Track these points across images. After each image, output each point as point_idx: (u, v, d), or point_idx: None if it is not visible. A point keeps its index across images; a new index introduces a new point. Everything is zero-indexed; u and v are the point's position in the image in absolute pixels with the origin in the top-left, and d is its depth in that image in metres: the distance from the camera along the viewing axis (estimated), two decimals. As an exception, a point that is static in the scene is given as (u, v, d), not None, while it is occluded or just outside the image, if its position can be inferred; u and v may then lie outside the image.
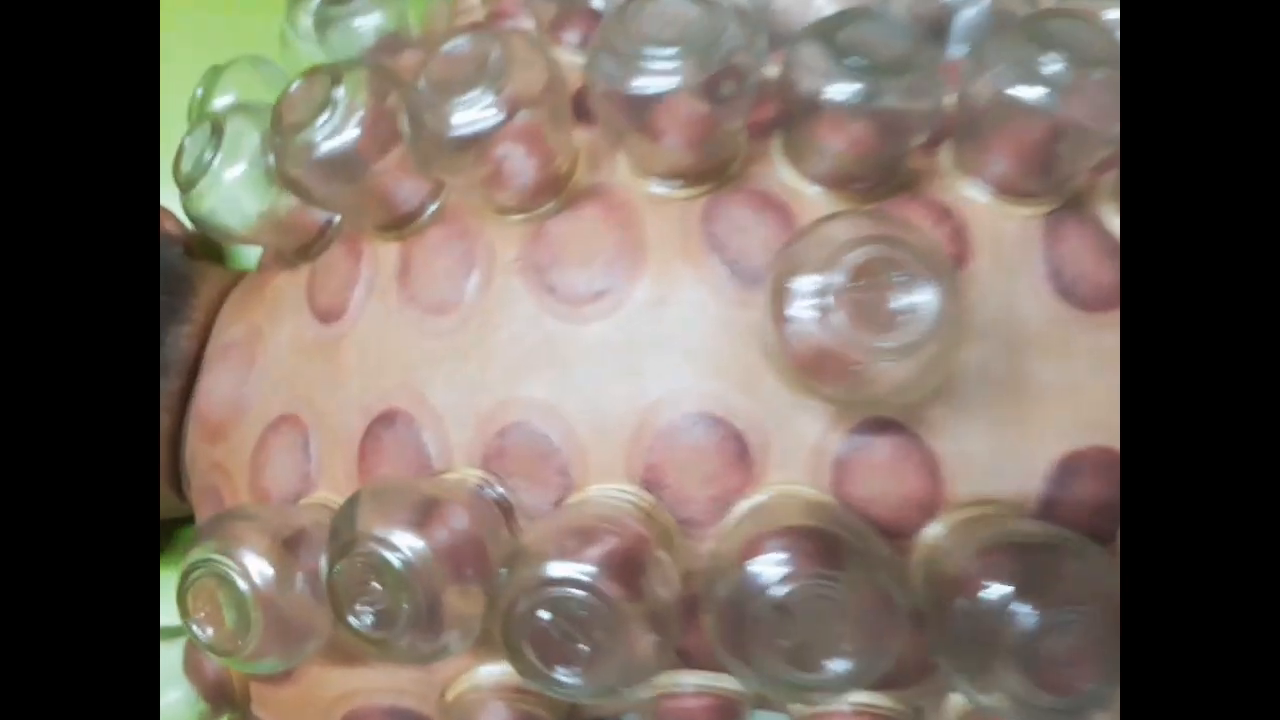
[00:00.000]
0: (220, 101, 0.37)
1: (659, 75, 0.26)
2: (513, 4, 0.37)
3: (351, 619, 0.25)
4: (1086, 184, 0.30)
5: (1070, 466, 0.27)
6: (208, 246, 0.47)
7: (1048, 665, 0.23)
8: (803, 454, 0.27)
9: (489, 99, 0.26)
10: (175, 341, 0.37)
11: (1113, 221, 0.30)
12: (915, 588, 0.27)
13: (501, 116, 0.27)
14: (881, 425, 0.27)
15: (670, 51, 0.26)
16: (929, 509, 0.27)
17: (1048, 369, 0.28)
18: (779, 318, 0.24)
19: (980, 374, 0.28)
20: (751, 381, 0.28)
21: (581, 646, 0.23)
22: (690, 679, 0.29)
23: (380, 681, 0.32)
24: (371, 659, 0.32)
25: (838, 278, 0.22)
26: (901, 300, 0.22)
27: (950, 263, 0.23)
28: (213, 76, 0.37)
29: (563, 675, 0.23)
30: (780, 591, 0.22)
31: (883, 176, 0.29)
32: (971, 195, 0.29)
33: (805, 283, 0.23)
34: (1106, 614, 0.22)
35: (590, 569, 0.23)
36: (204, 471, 0.36)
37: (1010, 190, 0.29)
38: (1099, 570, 0.23)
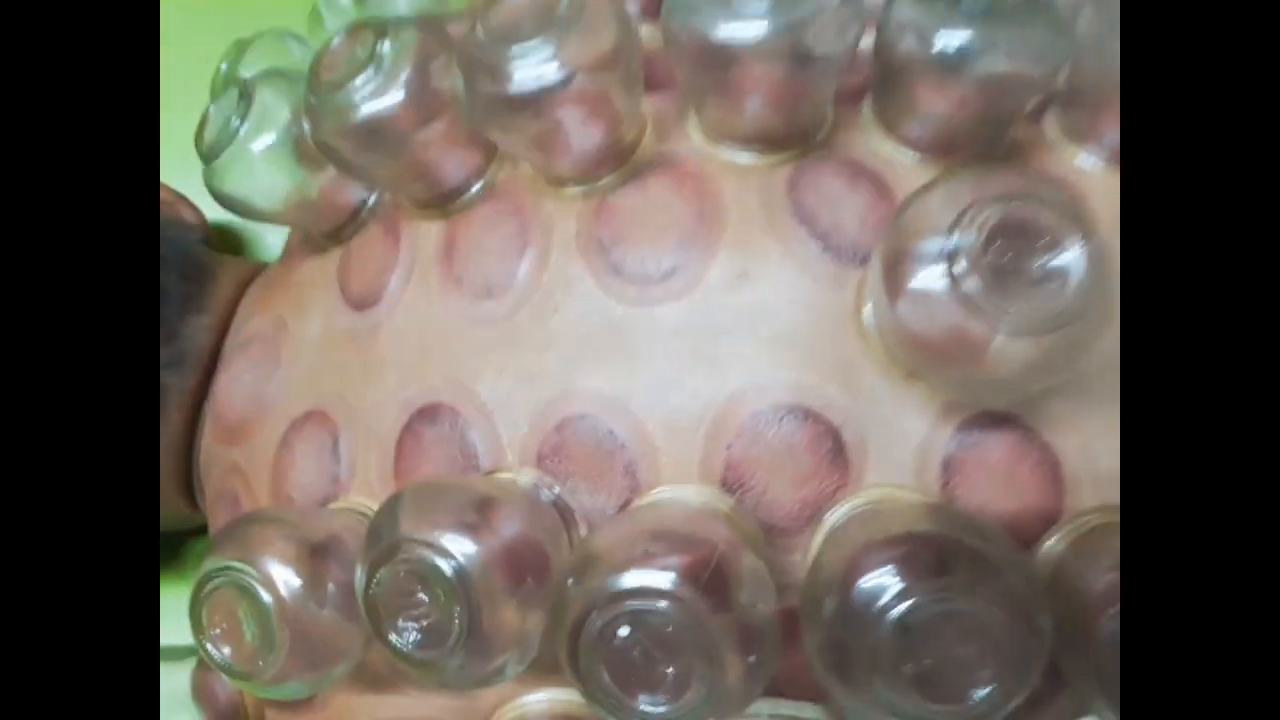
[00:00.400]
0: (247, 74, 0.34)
1: (747, 20, 0.23)
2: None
3: (393, 636, 0.22)
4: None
5: (1209, 469, 0.24)
6: (226, 240, 0.44)
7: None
8: (906, 452, 0.24)
9: (553, 50, 0.24)
10: (193, 334, 0.34)
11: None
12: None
13: (568, 72, 0.24)
14: (995, 420, 0.24)
15: (761, -7, 0.23)
16: (1050, 516, 0.24)
17: (1177, 358, 0.25)
18: (897, 290, 0.21)
19: (1105, 362, 0.24)
20: (847, 370, 0.24)
21: (668, 670, 0.20)
22: (764, 708, 0.26)
23: (415, 711, 0.28)
24: (406, 685, 0.28)
25: (970, 239, 0.19)
26: (1046, 262, 0.19)
27: (1094, 222, 0.20)
28: (237, 50, 0.35)
29: (646, 705, 0.20)
30: (902, 608, 0.19)
31: (988, 144, 0.26)
32: (1086, 165, 0.26)
33: (931, 247, 0.20)
34: None
35: (676, 577, 0.20)
36: (221, 476, 0.33)
37: (1129, 159, 0.26)
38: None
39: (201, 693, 0.31)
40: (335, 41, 0.27)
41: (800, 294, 0.25)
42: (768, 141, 0.26)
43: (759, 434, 0.24)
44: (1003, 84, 0.24)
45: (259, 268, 0.38)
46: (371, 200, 0.32)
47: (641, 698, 0.20)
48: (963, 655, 0.19)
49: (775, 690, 0.26)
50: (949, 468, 0.24)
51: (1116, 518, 0.24)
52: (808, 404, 0.24)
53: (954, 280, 0.19)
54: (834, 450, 0.24)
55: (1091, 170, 0.26)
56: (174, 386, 0.33)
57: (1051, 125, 0.27)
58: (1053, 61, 0.24)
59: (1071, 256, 0.19)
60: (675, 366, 0.25)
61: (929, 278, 0.20)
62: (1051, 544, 0.24)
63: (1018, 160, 0.26)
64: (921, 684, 0.19)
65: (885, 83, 0.26)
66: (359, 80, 0.26)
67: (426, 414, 0.28)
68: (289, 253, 0.36)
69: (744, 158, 0.26)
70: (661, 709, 0.20)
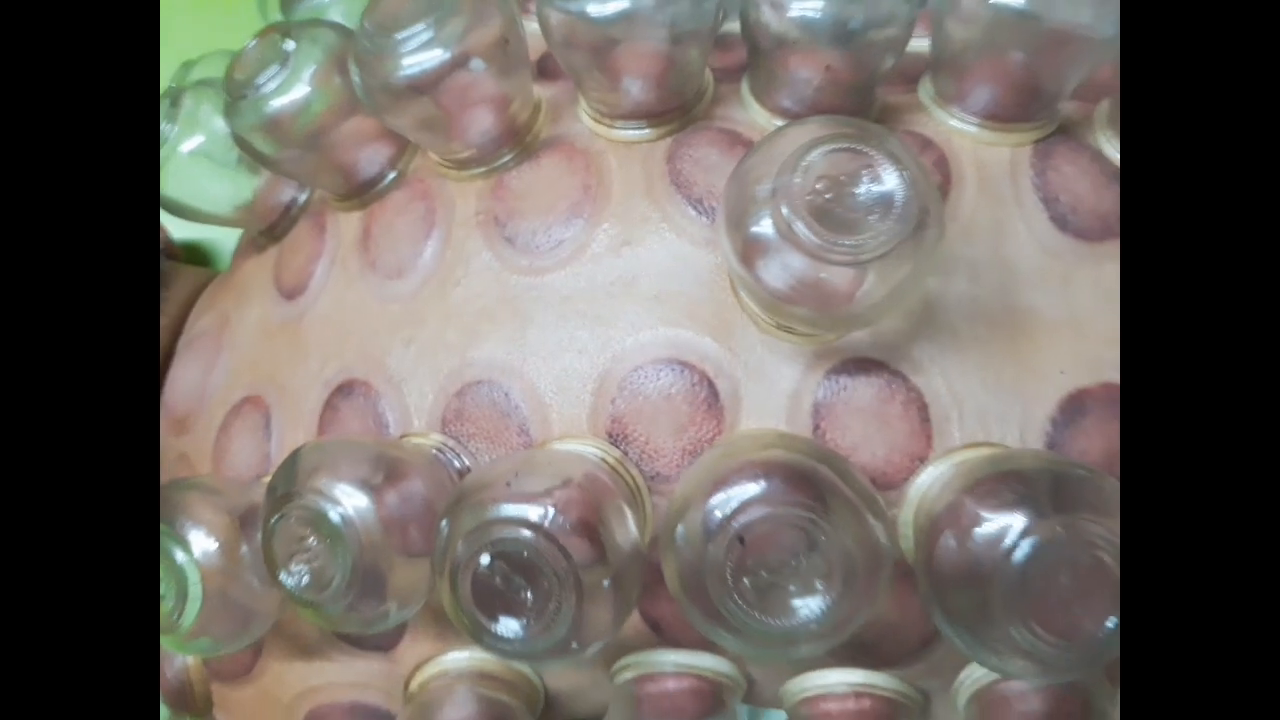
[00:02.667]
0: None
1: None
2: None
3: (285, 577, 0.23)
4: (1080, 112, 0.28)
5: (1076, 405, 0.25)
6: (195, 256, 0.47)
7: (1052, 604, 0.20)
8: (779, 400, 0.25)
9: (432, 36, 0.25)
10: (144, 333, 0.36)
11: (1111, 150, 0.28)
12: (906, 540, 0.24)
13: (448, 55, 0.26)
14: (863, 365, 0.25)
15: (620, -28, 0.24)
16: (919, 455, 0.25)
17: (1046, 303, 0.26)
18: (737, 240, 0.22)
19: (970, 308, 0.25)
20: (722, 324, 0.26)
21: (526, 594, 0.21)
22: (669, 657, 0.27)
23: (342, 676, 0.30)
24: (335, 653, 0.30)
25: (797, 180, 0.21)
26: (869, 192, 0.20)
27: (914, 151, 0.21)
28: (183, 71, 0.37)
29: (505, 627, 0.21)
30: (743, 521, 0.20)
31: (856, 108, 0.27)
32: (955, 126, 0.27)
33: (762, 192, 0.21)
34: (1117, 547, 0.20)
35: (536, 508, 0.21)
36: (170, 465, 0.35)
37: (995, 117, 0.27)
38: (1109, 500, 0.21)
39: (151, 671, 0.33)
40: (249, 44, 0.29)
41: (677, 255, 0.26)
42: (648, 116, 0.28)
43: (640, 388, 0.26)
44: (861, 46, 0.25)
45: (213, 275, 0.40)
46: (302, 198, 0.34)
47: (503, 620, 0.21)
48: (799, 567, 0.20)
49: (673, 641, 0.27)
50: (819, 412, 0.25)
51: (983, 453, 0.24)
52: (684, 357, 0.26)
53: (786, 222, 0.21)
54: (709, 399, 0.25)
55: (962, 129, 0.27)
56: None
57: (925, 91, 0.28)
58: (900, 21, 0.25)
59: (891, 185, 0.20)
60: (564, 330, 0.27)
61: (763, 223, 0.21)
62: (920, 480, 0.24)
63: (891, 122, 0.28)
64: (761, 597, 0.20)
65: (754, 56, 0.27)
66: (264, 77, 0.28)
67: (343, 390, 0.29)
68: (235, 256, 0.38)
69: (628, 133, 0.28)
70: (520, 631, 0.21)
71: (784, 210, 0.20)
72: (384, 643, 0.29)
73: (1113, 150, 0.28)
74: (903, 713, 0.27)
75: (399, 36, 0.25)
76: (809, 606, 0.20)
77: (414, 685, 0.28)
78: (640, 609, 0.26)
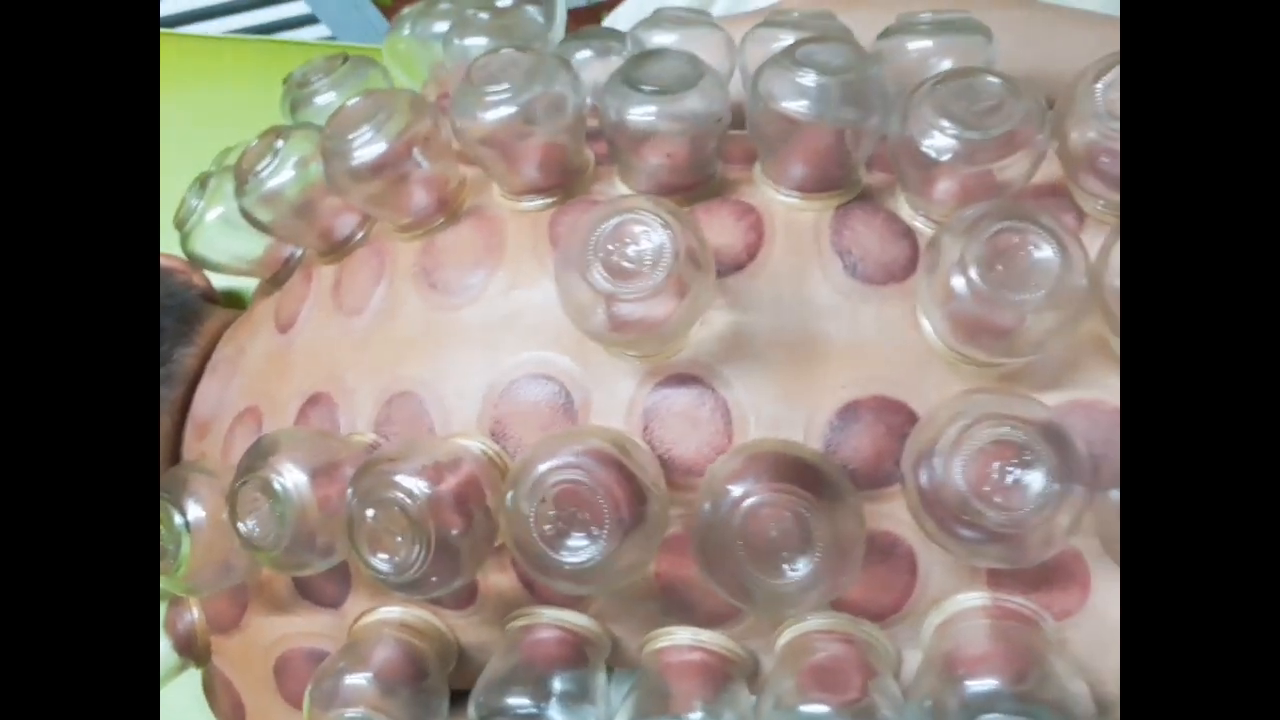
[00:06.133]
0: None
1: (491, 108, 0.33)
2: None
3: (241, 527, 0.31)
4: (885, 181, 0.35)
5: (851, 413, 0.31)
6: (235, 300, 0.57)
7: (763, 553, 0.26)
8: (620, 406, 0.33)
9: (373, 134, 0.35)
10: (180, 360, 0.46)
11: (906, 212, 0.34)
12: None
13: (386, 147, 0.35)
14: (683, 379, 0.32)
15: (501, 87, 0.33)
16: (721, 449, 0.32)
17: (835, 333, 0.32)
18: (564, 285, 0.30)
19: (771, 337, 0.33)
20: (582, 350, 0.33)
21: (398, 540, 0.29)
22: (546, 612, 0.34)
23: (304, 627, 0.38)
24: (300, 609, 0.38)
25: (593, 240, 0.28)
26: (644, 248, 0.28)
27: (684, 212, 0.29)
28: (222, 156, 0.47)
29: (381, 562, 0.29)
30: (548, 483, 0.27)
31: (696, 183, 0.35)
32: (774, 196, 0.35)
33: (575, 251, 0.29)
34: (812, 503, 0.26)
35: (407, 477, 0.29)
36: (193, 463, 0.44)
37: (803, 188, 0.34)
38: (827, 478, 0.27)
39: (169, 625, 0.42)
40: (252, 143, 0.39)
41: (550, 297, 0.34)
42: (539, 191, 0.36)
43: (515, 396, 0.34)
44: (687, 138, 0.33)
45: (237, 315, 0.50)
46: (298, 254, 0.43)
47: (379, 557, 0.29)
48: (584, 518, 0.27)
49: (543, 599, 0.34)
50: (648, 415, 0.32)
51: (771, 447, 0.31)
52: (549, 373, 0.33)
53: (587, 272, 0.28)
54: (566, 405, 0.33)
55: (779, 198, 0.35)
56: (165, 399, 0.45)
57: (757, 168, 0.36)
58: (712, 118, 0.33)
59: (660, 241, 0.28)
60: (465, 353, 0.35)
61: (574, 274, 0.29)
62: (716, 465, 0.31)
63: (724, 194, 0.35)
64: (557, 540, 0.27)
65: (612, 148, 0.35)
66: (261, 165, 0.37)
67: (313, 400, 0.38)
68: (253, 300, 0.48)
69: (525, 204, 0.36)
70: (389, 566, 0.29)
71: (586, 264, 0.28)
72: (335, 600, 0.37)
73: (909, 213, 0.34)
74: (732, 668, 0.33)
75: (350, 136, 0.35)
76: (589, 550, 0.27)
77: (353, 632, 0.36)
78: (517, 571, 0.34)
